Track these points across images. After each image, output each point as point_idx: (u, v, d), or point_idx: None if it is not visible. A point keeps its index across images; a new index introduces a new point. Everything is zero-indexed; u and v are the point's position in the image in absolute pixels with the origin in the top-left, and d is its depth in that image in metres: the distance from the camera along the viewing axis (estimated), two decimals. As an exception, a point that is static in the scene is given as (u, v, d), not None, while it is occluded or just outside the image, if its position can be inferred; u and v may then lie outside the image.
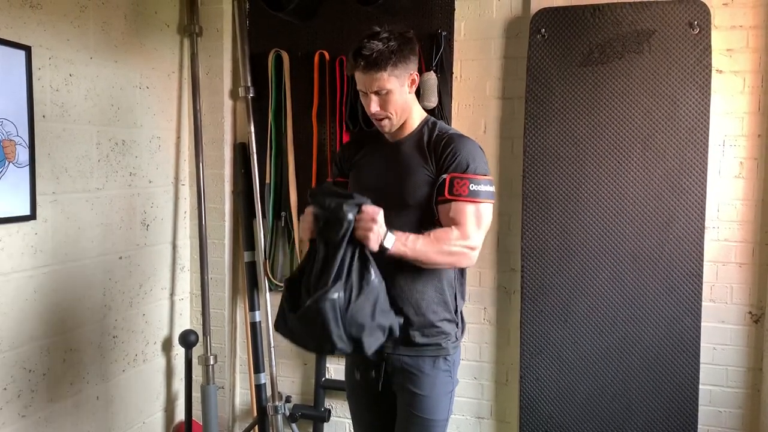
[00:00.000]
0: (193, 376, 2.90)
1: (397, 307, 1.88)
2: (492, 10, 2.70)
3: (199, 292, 2.93)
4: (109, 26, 2.49)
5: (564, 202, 2.56)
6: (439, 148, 1.89)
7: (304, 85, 2.87)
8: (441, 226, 1.87)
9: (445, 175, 1.86)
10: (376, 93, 1.87)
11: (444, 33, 2.70)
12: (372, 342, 1.74)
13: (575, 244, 2.56)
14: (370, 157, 2.04)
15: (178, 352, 2.93)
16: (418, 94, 2.61)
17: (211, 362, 2.86)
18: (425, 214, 1.90)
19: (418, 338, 1.91)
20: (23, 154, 2.12)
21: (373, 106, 1.89)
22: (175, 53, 2.89)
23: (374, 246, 1.72)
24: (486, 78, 2.72)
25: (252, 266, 2.98)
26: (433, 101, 2.65)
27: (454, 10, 2.72)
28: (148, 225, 2.76)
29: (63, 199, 2.31)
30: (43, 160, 2.22)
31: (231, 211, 3.03)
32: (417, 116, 1.99)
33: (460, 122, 2.75)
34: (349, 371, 2.10)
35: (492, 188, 1.90)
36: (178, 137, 2.94)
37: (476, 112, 2.75)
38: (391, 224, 1.93)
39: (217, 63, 2.95)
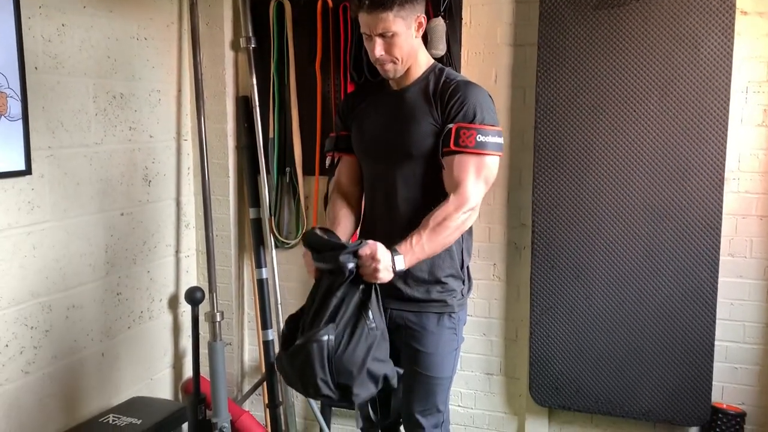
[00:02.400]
0: (201, 333, 2.88)
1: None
2: (503, -48, 2.56)
3: (205, 249, 2.89)
4: (103, -27, 2.39)
5: (577, 154, 2.46)
6: (445, 96, 1.81)
7: (307, 34, 2.76)
8: (439, 180, 1.80)
9: (451, 125, 1.78)
10: (381, 36, 1.78)
11: (453, -24, 2.57)
12: (361, 392, 1.65)
13: (589, 198, 2.46)
14: (372, 107, 1.96)
15: (185, 309, 2.91)
16: (426, 40, 2.50)
17: (218, 319, 2.83)
18: (430, 166, 1.82)
19: (423, 294, 1.85)
20: (15, 107, 2.05)
21: (377, 50, 1.80)
22: (173, 2, 2.79)
23: (388, 278, 1.67)
24: (497, 24, 2.60)
25: (257, 223, 2.93)
26: (441, 49, 2.54)
27: (464, -49, 2.58)
28: (150, 181, 2.70)
29: (60, 154, 2.25)
30: (38, 114, 2.15)
31: (235, 166, 2.96)
32: (423, 62, 1.90)
33: (469, 71, 2.63)
34: None
35: (500, 140, 1.81)
36: (179, 91, 2.85)
37: (486, 60, 2.63)
38: (394, 177, 1.87)
39: (217, 13, 2.85)
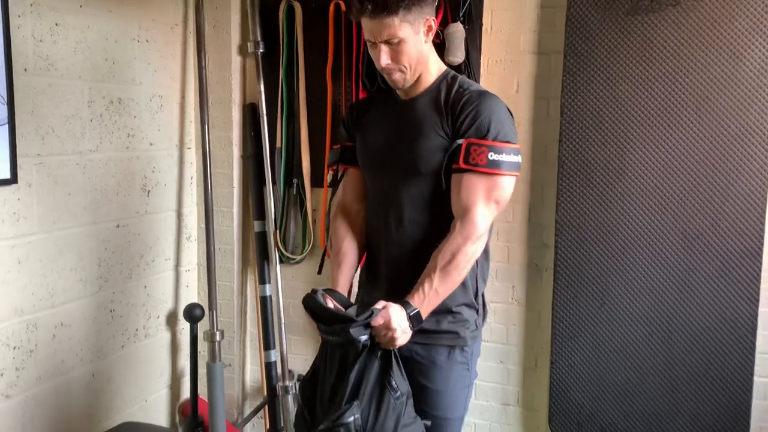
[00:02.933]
0: (201, 352, 2.73)
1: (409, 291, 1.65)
2: (528, -47, 2.39)
3: (208, 264, 2.74)
4: (102, -30, 2.26)
5: (605, 170, 2.28)
6: (457, 108, 1.63)
7: (318, 39, 2.61)
8: (449, 200, 1.64)
9: (461, 140, 1.60)
10: (387, 42, 1.61)
11: (473, -21, 2.40)
12: None
13: (617, 218, 2.28)
14: (378, 118, 1.79)
15: (184, 326, 2.76)
16: (443, 47, 2.34)
17: (218, 338, 2.67)
18: (439, 184, 1.64)
19: (432, 325, 1.67)
20: (1, 111, 1.91)
21: (383, 58, 1.63)
22: (178, 3, 2.65)
23: (406, 340, 1.54)
24: (519, 30, 2.43)
25: (262, 236, 2.77)
26: (459, 56, 2.37)
27: (485, -48, 2.42)
28: (149, 191, 2.55)
29: (50, 162, 2.11)
30: (26, 119, 2.01)
31: (240, 177, 2.81)
32: (434, 69, 1.72)
33: (489, 80, 2.46)
34: None
35: (517, 159, 1.63)
36: (183, 96, 2.71)
37: (508, 69, 2.46)
38: (400, 195, 1.70)
39: (224, 15, 2.70)
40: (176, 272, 2.75)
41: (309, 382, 1.66)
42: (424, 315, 1.56)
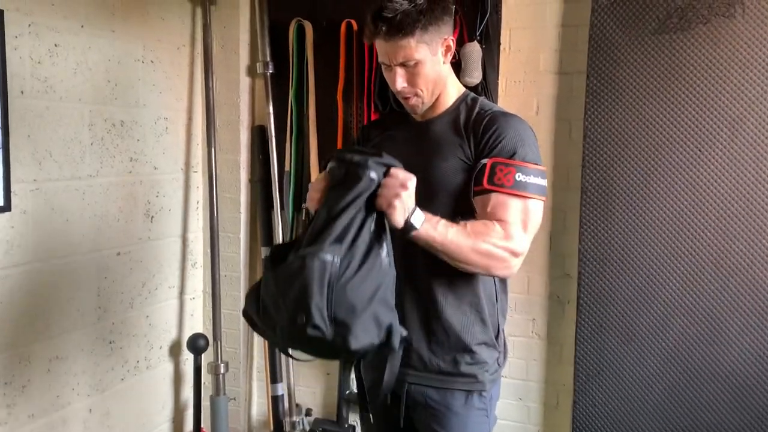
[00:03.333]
0: (206, 383, 2.61)
1: (423, 326, 1.52)
2: (548, -31, 2.28)
3: (213, 292, 2.63)
4: (105, -11, 2.18)
5: (631, 197, 2.14)
6: (479, 128, 1.51)
7: (329, 58, 2.51)
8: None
9: (485, 160, 1.47)
10: (402, 65, 1.50)
11: (491, -4, 2.30)
12: (360, 335, 1.27)
13: (644, 248, 2.13)
14: (392, 140, 1.67)
15: (188, 357, 2.64)
16: (459, 67, 2.23)
17: (222, 371, 2.56)
18: (459, 209, 1.51)
19: (448, 366, 1.54)
20: (-6, 136, 1.83)
21: (399, 82, 1.52)
22: (185, 23, 2.57)
23: (399, 219, 1.33)
24: (540, 49, 2.31)
25: (270, 264, 2.66)
26: (476, 77, 2.27)
27: (503, -31, 2.31)
28: (152, 216, 2.46)
29: (47, 188, 2.02)
30: (22, 143, 1.93)
31: (248, 201, 2.71)
32: (453, 91, 1.61)
33: (508, 101, 2.35)
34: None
35: (544, 182, 1.50)
36: (190, 119, 2.62)
37: (527, 90, 2.34)
38: None
39: (232, 35, 2.62)
40: (180, 300, 2.64)
41: (280, 246, 1.45)
42: (422, 230, 1.37)
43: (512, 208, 1.45)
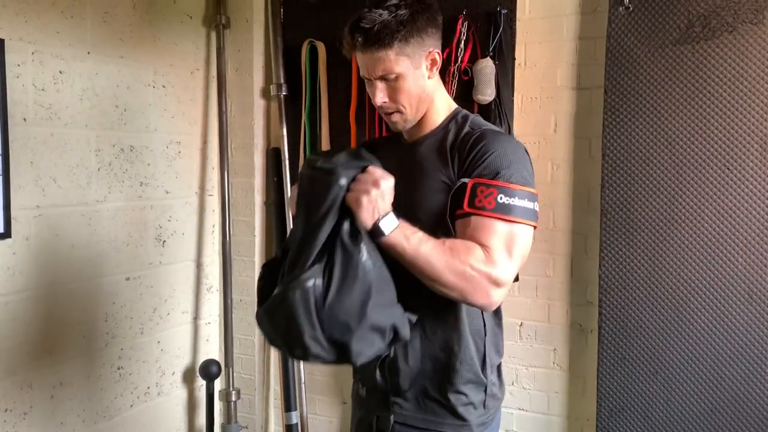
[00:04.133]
0: (222, 410, 2.57)
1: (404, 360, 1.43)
2: (564, -19, 2.17)
3: (225, 317, 2.59)
4: (113, 17, 2.19)
5: (655, 220, 1.99)
6: (465, 147, 1.38)
7: (341, 79, 2.46)
8: None
9: (466, 179, 1.35)
10: (383, 79, 1.41)
11: (504, 11, 2.20)
12: (363, 350, 1.24)
13: (670, 275, 1.98)
14: (383, 163, 1.59)
15: (203, 383, 2.60)
16: (469, 84, 2.14)
17: (233, 398, 2.51)
18: (443, 232, 1.40)
19: (432, 397, 1.43)
20: (-6, 163, 1.85)
21: (379, 97, 1.43)
22: (200, 48, 2.57)
23: (366, 218, 1.24)
24: (557, 64, 2.20)
25: (284, 288, 2.60)
26: (488, 94, 2.17)
27: (517, -18, 2.22)
28: (164, 241, 2.44)
29: (50, 214, 2.03)
30: (24, 170, 1.94)
31: (262, 224, 2.67)
32: (442, 109, 1.51)
33: (524, 119, 2.24)
34: (354, 389, 1.64)
35: (532, 205, 1.35)
36: (205, 142, 2.61)
37: (544, 107, 2.23)
38: None
39: (246, 58, 2.60)
40: (194, 325, 2.62)
41: (272, 263, 1.40)
42: (392, 236, 1.26)
43: (494, 232, 1.31)
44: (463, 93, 2.22)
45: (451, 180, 1.39)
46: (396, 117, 1.46)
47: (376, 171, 1.27)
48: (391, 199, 1.28)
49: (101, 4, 2.15)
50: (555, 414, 2.28)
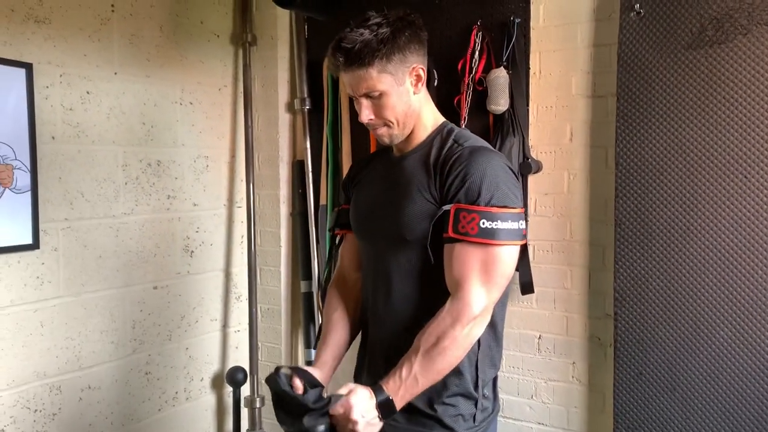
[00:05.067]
0: (247, 418, 2.64)
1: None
2: (578, -13, 2.14)
3: (250, 325, 2.67)
4: (139, 39, 2.31)
5: (670, 230, 1.92)
6: (446, 167, 1.40)
7: (361, 92, 2.50)
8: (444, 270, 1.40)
9: (448, 206, 1.38)
10: (367, 96, 1.44)
11: (517, 20, 2.19)
12: None
13: (686, 287, 1.91)
14: (372, 178, 1.61)
15: (231, 389, 2.68)
16: (483, 95, 2.14)
17: (258, 405, 2.57)
18: (428, 256, 1.42)
19: (419, 410, 1.44)
20: (23, 179, 1.97)
21: (365, 114, 1.46)
22: (227, 65, 2.67)
23: None
24: (571, 72, 2.16)
25: (309, 297, 2.66)
26: (502, 104, 2.16)
27: (530, -10, 2.20)
28: (192, 251, 2.54)
29: (78, 226, 2.15)
30: (52, 185, 2.06)
31: (288, 235, 2.74)
32: (429, 123, 1.52)
33: (539, 128, 2.21)
34: None
35: (517, 225, 1.36)
36: (233, 156, 2.70)
37: (560, 116, 2.19)
38: (388, 265, 1.50)
39: (272, 74, 2.68)
40: (223, 333, 2.70)
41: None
42: (398, 405, 1.33)
43: (475, 261, 1.35)
44: (478, 103, 2.22)
45: (435, 199, 1.41)
46: (383, 131, 1.48)
47: (338, 410, 1.30)
48: (370, 403, 1.31)
49: (128, 27, 2.27)
50: (575, 430, 2.22)
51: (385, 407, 1.32)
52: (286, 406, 1.36)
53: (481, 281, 1.34)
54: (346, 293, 1.67)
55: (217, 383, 2.69)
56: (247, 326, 2.78)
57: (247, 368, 2.64)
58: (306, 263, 2.66)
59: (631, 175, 1.98)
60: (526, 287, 2.16)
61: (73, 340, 2.16)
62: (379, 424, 1.32)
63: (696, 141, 1.87)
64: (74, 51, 2.11)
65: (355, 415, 1.29)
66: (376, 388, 1.33)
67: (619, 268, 2.01)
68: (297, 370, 1.44)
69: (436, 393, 1.43)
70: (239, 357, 2.76)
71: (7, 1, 1.93)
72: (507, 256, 1.37)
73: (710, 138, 1.85)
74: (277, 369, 1.40)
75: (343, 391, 1.33)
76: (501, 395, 2.08)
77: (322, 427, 1.30)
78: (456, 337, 1.34)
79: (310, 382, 1.42)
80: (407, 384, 1.33)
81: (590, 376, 2.20)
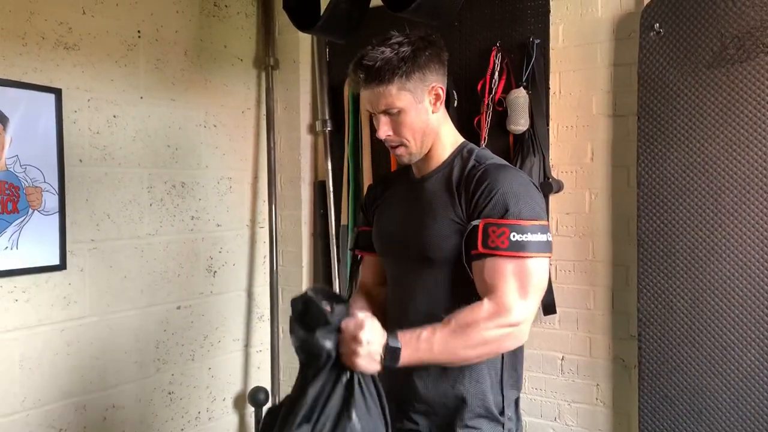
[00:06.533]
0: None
1: (412, 395, 1.44)
2: (597, 8, 2.14)
3: (272, 345, 2.68)
4: (165, 64, 2.36)
5: (694, 249, 1.90)
6: (471, 185, 1.41)
7: (381, 114, 2.52)
8: (474, 290, 1.39)
9: (477, 221, 1.38)
10: (386, 113, 1.46)
11: (537, 41, 2.20)
12: None
13: (711, 307, 1.88)
14: (392, 199, 1.62)
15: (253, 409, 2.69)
16: (503, 115, 2.14)
17: (279, 425, 2.57)
18: (458, 275, 1.42)
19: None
20: (51, 201, 2.02)
21: (384, 130, 1.47)
22: (250, 88, 2.71)
23: (371, 369, 1.28)
24: (592, 92, 2.16)
25: (330, 318, 2.66)
26: (522, 124, 2.16)
27: (549, 11, 2.20)
28: (215, 272, 2.57)
29: (105, 247, 2.19)
30: (79, 206, 2.11)
31: (309, 255, 2.75)
32: (448, 143, 1.53)
33: (560, 148, 2.21)
34: None
35: (545, 237, 1.36)
36: (255, 177, 2.74)
37: (580, 135, 2.19)
38: (415, 286, 1.50)
39: (294, 96, 2.72)
40: (245, 353, 2.72)
41: (272, 411, 1.42)
42: (403, 359, 1.29)
43: (508, 273, 1.34)
44: (498, 124, 2.22)
45: (459, 218, 1.41)
46: (401, 150, 1.50)
47: (350, 326, 1.28)
48: (381, 338, 1.29)
49: (154, 52, 2.33)
50: (599, 453, 2.19)
51: (391, 352, 1.28)
52: (311, 320, 1.31)
53: (518, 291, 1.33)
54: (371, 299, 1.67)
55: (239, 403, 2.70)
56: (269, 346, 2.79)
57: (268, 388, 2.64)
58: (327, 283, 2.67)
59: (653, 193, 1.96)
60: (549, 308, 2.14)
61: (98, 359, 2.19)
62: (377, 365, 1.28)
63: (718, 159, 1.85)
64: (102, 76, 2.17)
65: (364, 335, 1.25)
66: (391, 333, 1.31)
67: (642, 288, 1.99)
68: (322, 290, 1.39)
69: (458, 415, 1.42)
70: (261, 377, 2.77)
71: (37, 29, 1.99)
72: (539, 267, 1.37)
73: (733, 156, 1.83)
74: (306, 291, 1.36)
75: (361, 315, 1.30)
76: (524, 417, 2.05)
77: (330, 343, 1.26)
78: (488, 330, 1.31)
79: (333, 298, 1.37)
80: (421, 346, 1.30)
81: (614, 399, 2.17)
